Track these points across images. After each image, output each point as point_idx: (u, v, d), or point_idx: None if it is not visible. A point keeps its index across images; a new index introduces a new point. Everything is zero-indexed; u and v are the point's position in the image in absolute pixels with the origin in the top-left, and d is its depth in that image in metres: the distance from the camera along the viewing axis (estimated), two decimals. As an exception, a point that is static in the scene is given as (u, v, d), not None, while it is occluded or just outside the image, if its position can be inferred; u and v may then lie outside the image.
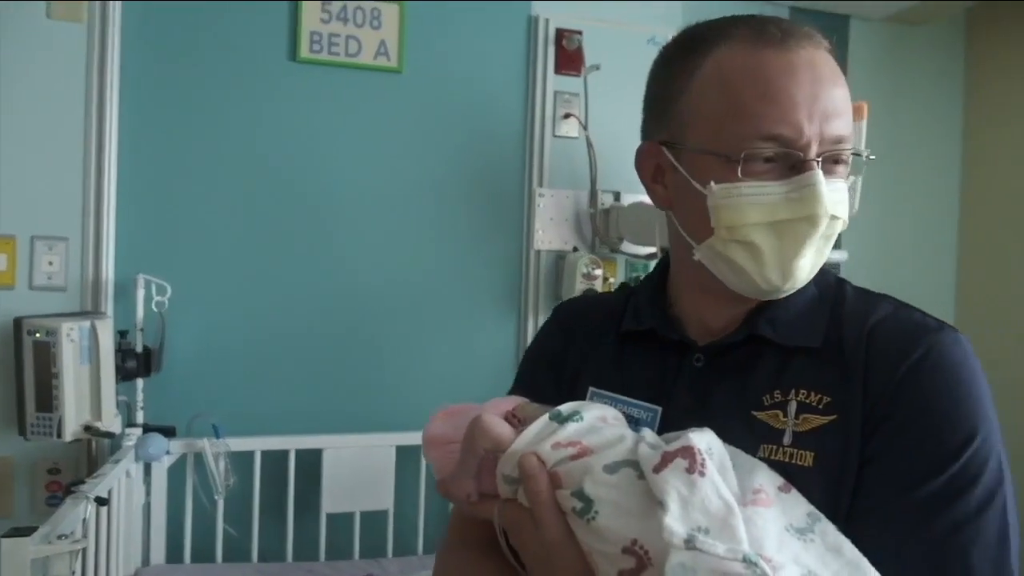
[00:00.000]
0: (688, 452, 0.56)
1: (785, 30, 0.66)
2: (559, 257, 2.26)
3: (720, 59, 0.67)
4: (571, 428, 0.61)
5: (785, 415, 0.66)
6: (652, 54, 2.18)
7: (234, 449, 1.88)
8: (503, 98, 2.22)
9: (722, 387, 0.69)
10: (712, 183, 0.65)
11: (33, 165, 1.83)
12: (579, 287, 2.13)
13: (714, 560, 0.50)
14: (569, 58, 2.25)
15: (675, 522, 0.52)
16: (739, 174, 0.64)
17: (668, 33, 2.59)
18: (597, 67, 2.20)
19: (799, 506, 0.58)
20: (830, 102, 0.65)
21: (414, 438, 2.03)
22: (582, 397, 0.68)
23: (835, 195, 0.65)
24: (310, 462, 1.96)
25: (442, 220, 2.17)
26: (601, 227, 2.25)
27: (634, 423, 0.69)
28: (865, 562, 0.55)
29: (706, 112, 0.67)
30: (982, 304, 2.63)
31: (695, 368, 0.72)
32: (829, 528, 0.57)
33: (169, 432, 1.84)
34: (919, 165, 2.66)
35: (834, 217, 0.66)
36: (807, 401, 0.66)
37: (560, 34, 2.23)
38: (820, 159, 0.64)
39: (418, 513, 2.06)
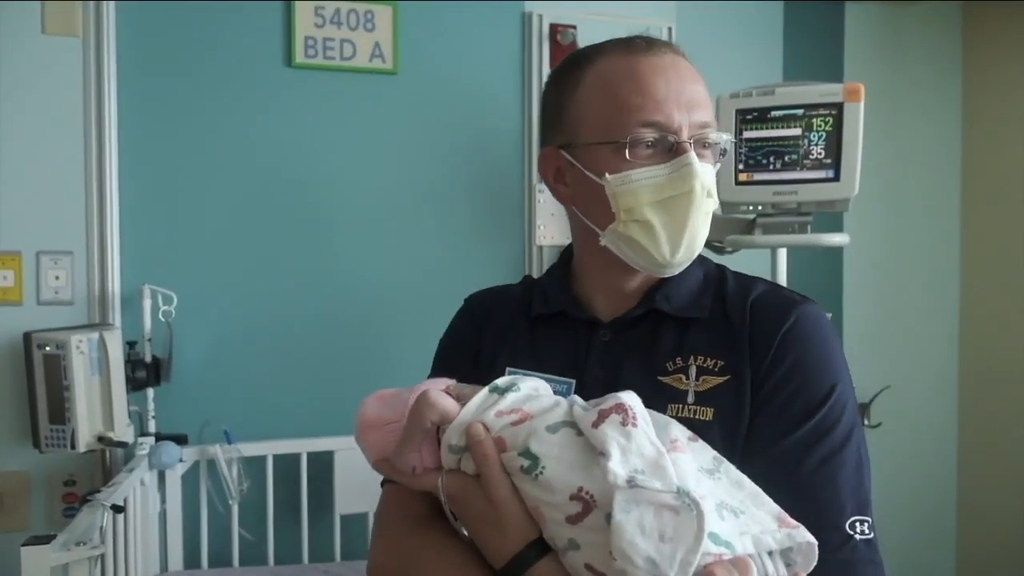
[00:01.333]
0: (621, 408, 0.65)
1: (649, 41, 0.79)
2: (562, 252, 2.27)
3: (599, 69, 0.79)
4: (511, 397, 0.70)
5: (687, 378, 0.77)
6: None
7: (246, 454, 1.89)
8: (500, 95, 2.23)
9: (630, 357, 0.80)
10: (607, 174, 0.77)
11: (35, 180, 1.84)
12: (583, 281, 2.14)
13: (652, 494, 0.59)
14: (564, 53, 2.25)
15: (617, 466, 0.61)
16: (627, 156, 0.76)
17: (662, 25, 2.57)
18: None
19: (706, 452, 0.69)
20: (693, 95, 0.77)
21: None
22: (499, 377, 0.75)
23: (707, 173, 0.78)
24: (322, 464, 1.98)
25: (444, 220, 2.18)
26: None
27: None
28: (762, 493, 0.66)
29: (593, 112, 0.79)
30: (987, 283, 2.62)
31: (603, 343, 0.82)
32: (731, 468, 0.68)
33: (181, 440, 1.86)
34: (919, 145, 2.65)
35: (709, 194, 0.78)
36: (704, 365, 0.78)
37: (554, 29, 2.24)
38: (691, 142, 0.76)
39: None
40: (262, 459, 1.93)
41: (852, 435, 0.74)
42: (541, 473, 0.64)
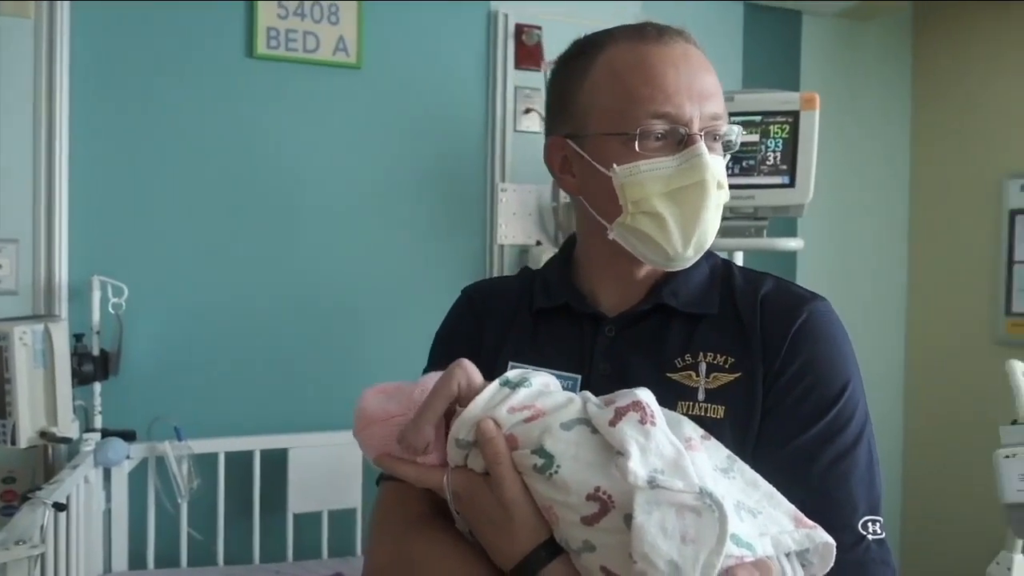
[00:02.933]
0: (639, 406, 0.63)
1: (661, 29, 0.77)
2: (522, 251, 2.28)
3: (609, 57, 0.77)
4: (523, 393, 0.67)
5: (697, 375, 0.75)
6: None
7: (197, 451, 1.85)
8: (464, 93, 2.23)
9: (637, 353, 0.78)
10: (615, 164, 0.74)
11: (-20, 165, 1.77)
12: (543, 280, 2.15)
13: (674, 495, 0.57)
14: (529, 53, 2.26)
15: (637, 466, 0.58)
16: (636, 148, 0.73)
17: (626, 27, 2.55)
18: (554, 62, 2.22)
19: (720, 451, 0.67)
20: (704, 86, 0.75)
21: (381, 435, 2.03)
22: (502, 372, 0.72)
23: (718, 165, 0.75)
24: (276, 462, 1.94)
25: (405, 216, 2.16)
26: (564, 221, 2.27)
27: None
28: (777, 492, 0.64)
29: (602, 102, 0.76)
30: (933, 286, 2.72)
31: (608, 338, 0.79)
32: (745, 468, 0.66)
33: (129, 436, 1.81)
34: (870, 153, 2.73)
35: (720, 185, 0.76)
36: (714, 362, 0.76)
37: (519, 29, 2.24)
38: (702, 134, 0.74)
39: (387, 510, 2.05)
40: (213, 456, 1.88)
41: (864, 433, 0.74)
42: (556, 472, 0.62)
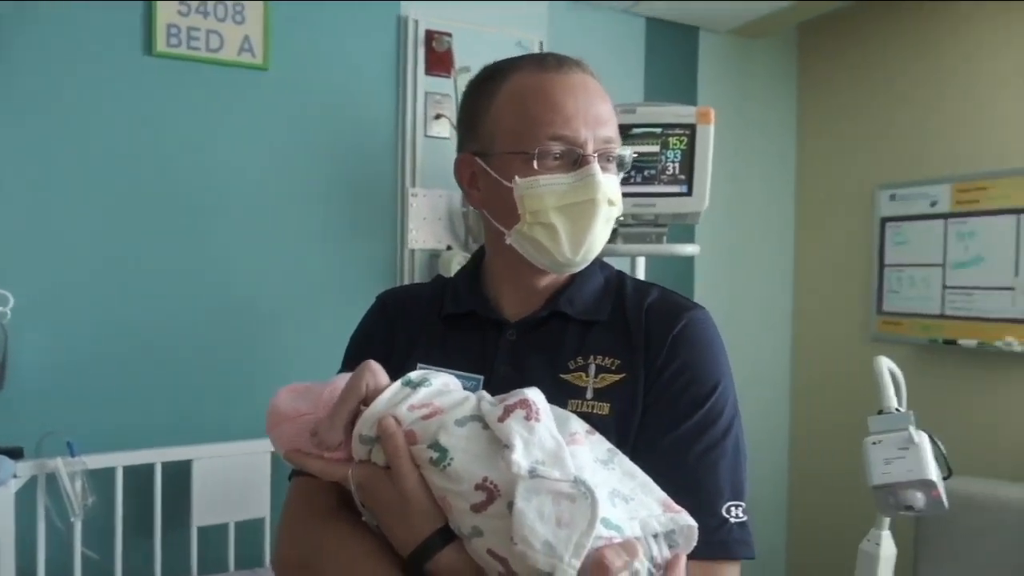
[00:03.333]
0: (525, 404, 0.69)
1: (560, 59, 0.85)
2: (433, 256, 2.29)
3: (514, 83, 0.85)
4: (423, 392, 0.73)
5: (587, 376, 0.83)
6: None
7: (92, 467, 1.76)
8: (374, 98, 2.22)
9: (535, 356, 0.85)
10: (516, 177, 0.82)
11: None
12: (454, 285, 2.17)
13: (552, 483, 0.64)
14: (439, 59, 2.28)
15: (520, 458, 0.65)
16: (535, 166, 0.81)
17: (535, 38, 2.66)
18: (468, 69, 2.25)
19: (602, 444, 0.74)
20: (599, 112, 0.83)
21: (290, 443, 1.99)
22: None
23: (609, 184, 0.83)
24: (178, 474, 1.87)
25: (313, 220, 2.14)
26: (474, 226, 2.30)
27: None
28: (651, 482, 0.71)
29: (506, 124, 0.84)
30: (816, 288, 2.92)
31: (510, 342, 0.87)
32: (624, 459, 0.73)
33: (16, 453, 1.70)
34: (760, 165, 2.91)
35: (611, 202, 0.84)
36: (603, 364, 0.83)
37: (430, 35, 2.26)
38: (596, 155, 0.82)
39: (296, 519, 2.02)
40: (110, 471, 1.80)
41: (732, 428, 0.82)
42: (449, 464, 0.67)
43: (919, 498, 1.24)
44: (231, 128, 2.02)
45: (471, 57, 2.28)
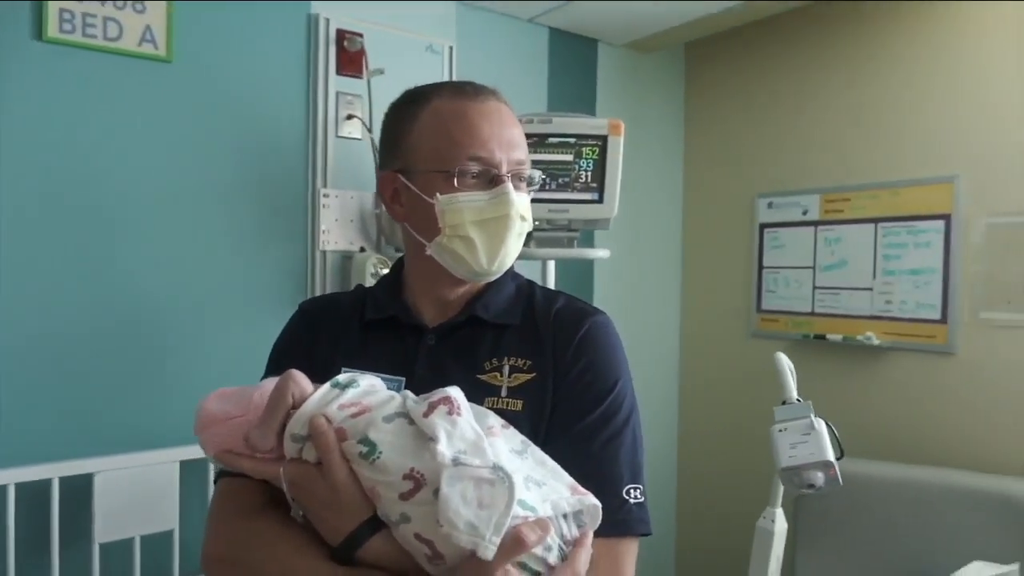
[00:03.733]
0: (448, 400, 0.76)
1: (477, 87, 0.94)
2: (345, 257, 2.28)
3: (435, 107, 0.93)
4: (351, 393, 0.78)
5: (501, 375, 0.90)
6: (430, 61, 2.43)
7: (-21, 485, 1.63)
8: (283, 96, 2.17)
9: (453, 359, 0.92)
10: (438, 194, 0.90)
11: None
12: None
13: (473, 470, 0.70)
14: (351, 59, 2.27)
15: (444, 448, 0.71)
16: (455, 184, 0.89)
17: (444, 43, 2.70)
18: (381, 71, 2.25)
19: (516, 437, 0.80)
20: (512, 137, 0.92)
21: (199, 451, 1.92)
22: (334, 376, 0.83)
23: (521, 201, 0.93)
24: (78, 489, 1.76)
25: (221, 220, 2.07)
26: (387, 228, 2.31)
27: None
28: (560, 469, 0.79)
29: (427, 144, 0.92)
30: (702, 288, 3.15)
31: (429, 346, 0.93)
32: (536, 450, 0.80)
33: None
34: (651, 174, 3.09)
35: (523, 218, 0.93)
36: (516, 364, 0.91)
37: (341, 35, 2.24)
38: (509, 175, 0.91)
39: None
40: (2, 489, 1.67)
41: (630, 419, 0.91)
42: (378, 458, 0.72)
43: (819, 477, 1.40)
44: (132, 123, 1.92)
45: (382, 58, 2.28)
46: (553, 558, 0.72)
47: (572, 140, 2.00)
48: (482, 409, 0.82)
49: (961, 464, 2.25)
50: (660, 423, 3.12)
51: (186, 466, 1.89)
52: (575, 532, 0.75)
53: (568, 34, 2.82)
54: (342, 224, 2.27)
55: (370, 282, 2.18)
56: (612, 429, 0.88)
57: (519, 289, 0.99)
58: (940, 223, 2.38)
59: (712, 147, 3.10)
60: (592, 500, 0.76)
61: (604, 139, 2.00)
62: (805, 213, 2.76)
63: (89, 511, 1.76)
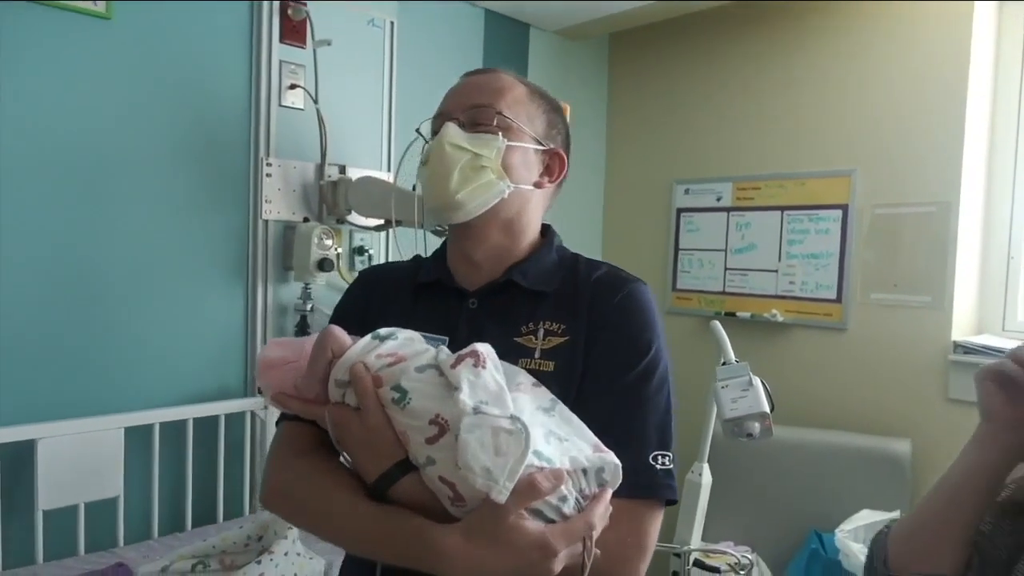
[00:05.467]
0: (474, 354, 0.80)
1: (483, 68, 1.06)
2: (288, 228, 2.28)
3: None
4: (389, 344, 0.84)
5: (536, 338, 0.94)
6: (372, 36, 2.51)
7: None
8: (226, 61, 2.14)
9: (491, 321, 0.96)
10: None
11: None
12: (314, 257, 2.19)
13: (492, 419, 0.74)
14: (295, 28, 2.26)
15: (466, 398, 0.75)
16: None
17: (386, 17, 2.72)
18: (328, 42, 2.25)
19: (546, 396, 0.85)
20: (471, 86, 1.03)
21: (143, 418, 1.91)
22: None
23: (452, 132, 0.98)
24: (20, 456, 1.71)
25: (162, 187, 2.03)
26: (329, 199, 2.32)
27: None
28: (586, 428, 0.82)
29: None
30: (620, 265, 3.32)
31: (471, 309, 0.98)
32: (565, 409, 0.84)
33: None
34: (577, 159, 3.22)
35: (457, 147, 0.97)
36: (550, 328, 0.94)
37: (284, 4, 2.22)
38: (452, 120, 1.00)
39: (151, 496, 1.93)
40: (-65, 456, 1.60)
41: (664, 385, 0.92)
42: (408, 403, 0.78)
43: (756, 427, 1.58)
44: (69, 80, 1.85)
45: (328, 30, 2.29)
46: (568, 509, 0.75)
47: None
48: (515, 368, 0.85)
49: (852, 427, 2.54)
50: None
51: (131, 432, 1.87)
52: (594, 488, 0.78)
53: (503, 17, 2.91)
54: (285, 194, 2.27)
55: (315, 253, 2.20)
56: (644, 394, 0.90)
57: (562, 260, 1.03)
58: (838, 212, 2.65)
59: (634, 134, 3.28)
60: (613, 459, 0.78)
61: (550, 121, 2.10)
62: (719, 199, 2.98)
63: (32, 478, 1.72)
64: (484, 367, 0.79)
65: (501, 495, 0.71)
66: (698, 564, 1.82)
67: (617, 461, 0.79)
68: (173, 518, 2.02)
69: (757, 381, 1.64)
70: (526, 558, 0.73)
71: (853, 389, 2.59)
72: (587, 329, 0.93)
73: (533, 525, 0.73)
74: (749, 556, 1.97)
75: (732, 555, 1.83)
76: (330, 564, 1.65)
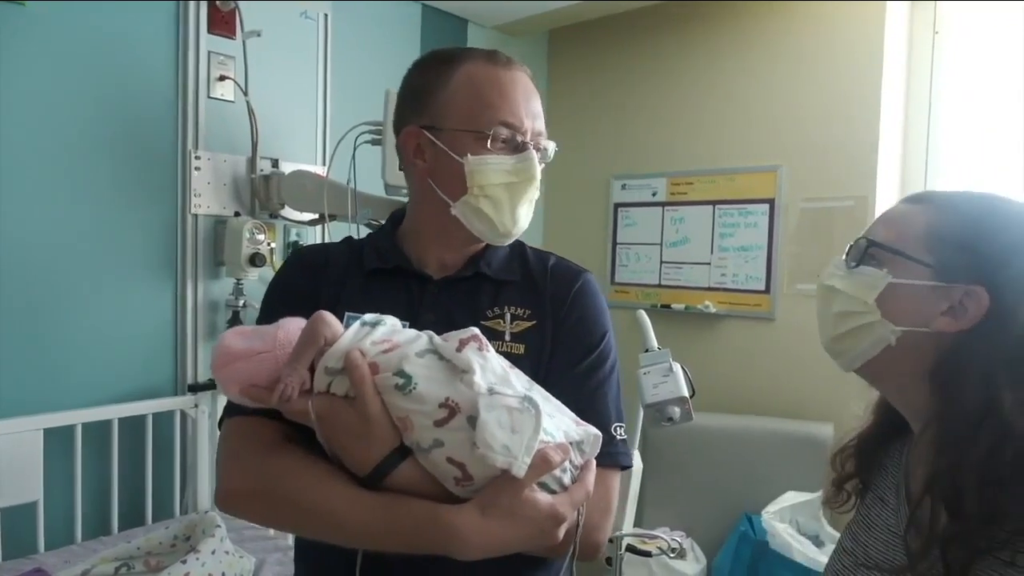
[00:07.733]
0: (477, 338, 0.83)
1: (507, 58, 0.99)
2: (219, 222, 2.24)
3: (468, 70, 0.97)
4: (381, 330, 0.84)
5: (504, 322, 0.97)
6: (305, 28, 2.50)
7: None
8: (151, 50, 2.09)
9: (457, 306, 0.97)
10: (468, 155, 0.94)
11: None
12: (246, 252, 2.16)
13: (506, 399, 0.78)
14: (223, 18, 2.22)
15: (480, 380, 0.78)
16: (487, 146, 0.93)
17: (319, 10, 2.70)
18: (258, 33, 2.22)
19: (522, 376, 0.87)
20: (536, 108, 0.99)
21: (65, 418, 1.85)
22: (341, 321, 0.88)
23: (539, 169, 1.00)
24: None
25: (83, 179, 1.96)
26: (262, 193, 2.29)
27: None
28: (562, 405, 0.86)
29: (461, 105, 0.95)
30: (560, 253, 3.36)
31: (433, 294, 0.99)
32: (540, 389, 0.87)
33: None
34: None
35: (538, 186, 0.99)
36: (516, 313, 0.98)
37: (213, -8, 2.18)
38: (531, 144, 0.97)
39: (74, 500, 1.87)
40: None
41: (615, 367, 1.00)
42: (414, 388, 0.78)
43: (677, 411, 1.63)
44: (-18, 68, 1.78)
45: (259, 22, 2.25)
46: (567, 479, 0.81)
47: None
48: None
49: (778, 412, 2.63)
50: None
51: (51, 434, 1.81)
52: (579, 461, 0.83)
53: (440, 12, 2.90)
54: (215, 188, 2.23)
55: (247, 248, 2.17)
56: (602, 373, 0.97)
57: (512, 249, 1.05)
58: (766, 206, 2.74)
59: (572, 131, 3.31)
60: (594, 431, 0.84)
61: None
62: (654, 194, 3.05)
63: (-60, 484, 1.65)
64: (488, 351, 0.82)
65: (521, 470, 0.74)
66: (631, 549, 1.86)
67: (597, 432, 0.84)
68: (98, 522, 1.96)
69: (677, 367, 1.69)
70: (539, 527, 0.78)
71: (780, 377, 2.68)
72: (552, 313, 0.98)
73: (543, 497, 0.78)
74: (681, 540, 2.03)
75: (664, 539, 1.88)
76: (261, 562, 1.63)
